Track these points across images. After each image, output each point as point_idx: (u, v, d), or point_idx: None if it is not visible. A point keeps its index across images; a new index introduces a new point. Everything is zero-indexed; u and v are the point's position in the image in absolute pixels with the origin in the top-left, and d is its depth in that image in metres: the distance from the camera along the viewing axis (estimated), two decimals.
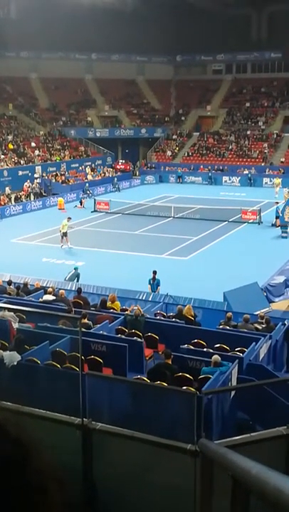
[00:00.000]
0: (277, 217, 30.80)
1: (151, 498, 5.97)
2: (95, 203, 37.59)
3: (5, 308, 11.49)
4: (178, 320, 13.16)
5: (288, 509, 1.46)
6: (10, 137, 47.69)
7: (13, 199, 38.52)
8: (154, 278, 18.47)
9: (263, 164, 50.68)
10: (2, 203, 37.05)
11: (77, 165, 48.89)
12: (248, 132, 55.08)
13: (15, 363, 8.25)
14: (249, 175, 48.44)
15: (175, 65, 63.30)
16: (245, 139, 54.50)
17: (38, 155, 47.05)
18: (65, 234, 26.72)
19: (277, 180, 43.00)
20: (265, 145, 52.87)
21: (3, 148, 45.57)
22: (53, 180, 44.00)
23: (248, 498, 2.58)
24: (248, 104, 58.66)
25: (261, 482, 1.82)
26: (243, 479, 2.27)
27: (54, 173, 45.25)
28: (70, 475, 5.82)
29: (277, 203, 35.07)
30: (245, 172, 49.18)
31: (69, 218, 27.85)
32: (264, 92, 59.42)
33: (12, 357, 8.36)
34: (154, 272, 18.56)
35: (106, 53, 58.87)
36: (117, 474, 6.20)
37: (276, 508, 1.59)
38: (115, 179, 47.31)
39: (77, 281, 19.12)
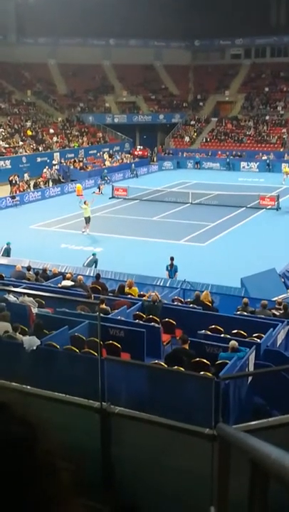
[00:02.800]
0: None
1: (168, 481, 6.03)
2: (112, 189, 37.58)
3: (24, 293, 11.60)
4: (195, 306, 13.17)
5: None
6: (28, 124, 47.77)
7: (31, 185, 38.67)
8: (171, 264, 18.47)
9: (281, 150, 50.13)
10: (21, 190, 37.22)
11: (95, 151, 48.85)
12: (267, 117, 54.47)
13: (34, 348, 8.34)
14: (267, 160, 47.97)
15: (193, 49, 62.65)
16: (263, 125, 53.93)
17: (57, 141, 47.09)
18: (87, 219, 26.86)
19: (286, 169, 42.44)
20: (284, 130, 52.24)
21: (22, 134, 45.68)
22: (71, 167, 44.04)
23: (267, 482, 2.60)
24: (266, 89, 57.94)
25: (281, 466, 1.83)
26: (262, 463, 2.28)
27: (72, 160, 45.27)
28: (88, 458, 5.90)
29: None
30: (263, 158, 48.71)
31: (85, 202, 27.81)
32: (283, 77, 58.59)
33: (31, 341, 8.45)
34: (172, 258, 18.56)
35: (124, 39, 58.50)
36: (134, 457, 6.26)
37: None
38: (133, 165, 47.20)
39: (95, 267, 19.20)
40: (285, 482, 1.72)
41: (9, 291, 11.89)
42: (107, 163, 46.78)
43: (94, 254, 20.01)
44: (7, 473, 0.81)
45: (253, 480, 2.90)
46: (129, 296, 14.23)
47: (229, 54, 62.80)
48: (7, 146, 42.89)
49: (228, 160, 49.60)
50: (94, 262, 19.56)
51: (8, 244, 21.16)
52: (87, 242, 25.28)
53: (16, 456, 0.82)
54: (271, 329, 11.02)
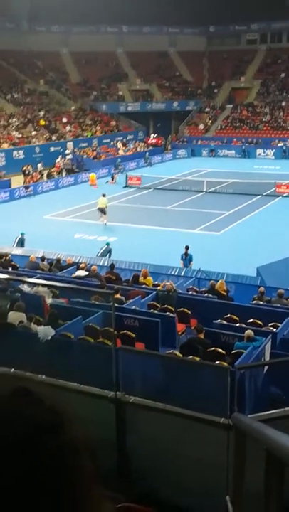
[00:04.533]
0: None
1: (183, 470, 6.04)
2: (126, 178, 37.50)
3: (38, 284, 11.63)
4: (210, 295, 13.12)
5: None
6: (41, 113, 47.76)
7: (45, 175, 38.72)
8: (186, 253, 18.40)
9: None
10: (35, 180, 37.29)
11: (108, 140, 48.73)
12: (283, 103, 53.87)
13: (49, 338, 8.35)
14: (284, 147, 47.48)
15: (208, 35, 62.02)
16: (280, 111, 53.37)
17: (70, 131, 47.04)
18: (103, 210, 26.85)
19: None
20: None
21: (35, 124, 45.70)
22: (85, 156, 43.99)
23: (282, 471, 2.57)
24: (283, 75, 57.22)
25: None
26: (278, 453, 2.25)
27: (86, 149, 45.21)
28: (104, 447, 5.92)
29: None
30: (279, 144, 48.22)
31: (104, 195, 27.63)
32: None
33: (46, 331, 8.47)
34: (187, 248, 18.48)
35: (137, 26, 58.04)
36: (150, 447, 6.27)
37: None
38: (147, 154, 47.00)
39: (109, 256, 19.20)
40: None
41: (23, 282, 11.93)
42: (121, 152, 46.64)
43: (108, 244, 20.01)
44: (33, 459, 0.83)
45: (268, 469, 2.87)
46: (144, 285, 14.22)
47: (245, 39, 62.07)
48: (20, 136, 42.95)
49: (243, 147, 49.19)
50: (108, 251, 19.57)
51: (22, 234, 21.24)
52: (101, 231, 25.28)
53: (44, 440, 0.84)
54: (287, 318, 10.94)
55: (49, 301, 11.44)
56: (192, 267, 17.83)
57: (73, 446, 0.87)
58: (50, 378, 6.61)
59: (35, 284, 11.77)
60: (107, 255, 19.34)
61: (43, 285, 11.56)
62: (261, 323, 10.86)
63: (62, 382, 6.56)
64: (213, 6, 55.20)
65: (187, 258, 18.37)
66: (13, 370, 7.12)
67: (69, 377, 6.68)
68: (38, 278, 13.17)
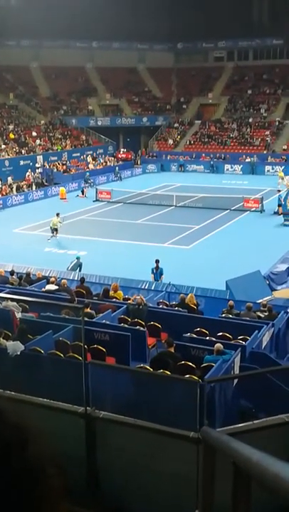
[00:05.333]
0: (279, 205, 30.71)
1: (154, 485, 6.03)
2: (96, 192, 37.53)
3: (8, 298, 11.53)
4: (180, 309, 13.19)
5: (287, 495, 1.48)
6: (11, 127, 47.55)
7: (14, 189, 38.47)
8: (157, 267, 18.48)
9: (265, 152, 50.48)
10: (4, 193, 37.01)
11: (78, 154, 48.77)
12: (250, 120, 54.83)
13: (18, 353, 8.28)
14: (251, 161, 48.13)
15: (176, 52, 62.89)
16: (247, 127, 54.26)
17: (40, 144, 46.93)
18: (55, 230, 26.28)
19: (281, 173, 42.55)
20: (268, 132, 52.64)
21: (4, 137, 45.46)
22: (55, 170, 43.90)
23: (249, 484, 2.61)
24: (249, 92, 58.32)
25: (262, 469, 1.83)
26: (245, 466, 2.29)
27: (55, 163, 45.13)
28: (73, 463, 5.88)
29: (279, 191, 34.98)
30: (247, 160, 48.96)
31: (58, 214, 26.97)
32: (266, 79, 59.05)
33: (15, 346, 8.39)
34: (157, 261, 18.58)
35: (107, 41, 58.48)
36: (120, 462, 6.25)
37: (275, 495, 1.61)
38: (117, 168, 47.20)
39: (80, 270, 19.14)
40: (266, 484, 1.72)
41: None
42: (91, 166, 46.73)
43: (78, 258, 19.95)
44: (2, 474, 0.82)
45: (236, 482, 2.91)
46: (114, 299, 14.21)
47: (212, 56, 63.12)
48: None
49: (211, 162, 49.80)
50: (78, 265, 19.51)
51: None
52: (71, 245, 25.20)
53: (7, 458, 0.83)
54: (256, 331, 11.07)
55: (18, 315, 11.34)
56: (163, 280, 17.90)
57: (39, 461, 0.86)
58: (19, 394, 6.54)
59: (4, 299, 11.66)
60: (78, 269, 19.27)
61: (12, 299, 11.47)
62: (230, 336, 10.97)
63: (31, 397, 6.50)
64: (181, 23, 56.07)
65: (158, 272, 18.46)
66: None
67: (38, 392, 6.62)
68: (7, 292, 13.04)
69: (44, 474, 0.86)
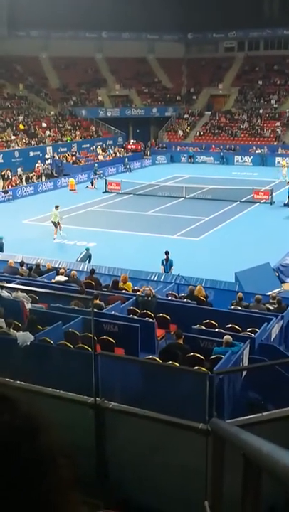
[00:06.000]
0: None
1: (162, 476, 6.05)
2: (106, 183, 37.50)
3: (18, 289, 11.58)
4: (189, 300, 13.18)
5: None
6: (21, 118, 47.55)
7: (24, 180, 38.52)
8: (167, 259, 18.45)
9: (275, 143, 50.14)
10: (14, 184, 37.08)
11: (88, 145, 48.70)
12: (261, 111, 54.43)
13: (28, 343, 8.32)
14: (262, 153, 47.85)
15: (186, 42, 62.43)
16: (257, 118, 53.89)
17: (49, 135, 46.90)
18: (56, 224, 25.28)
19: (284, 162, 42.38)
20: (278, 124, 52.24)
21: (14, 128, 45.47)
22: (64, 161, 43.89)
23: (259, 476, 2.61)
24: (260, 82, 57.85)
25: (272, 460, 1.83)
26: (255, 458, 2.29)
27: (65, 154, 45.10)
28: (82, 453, 5.91)
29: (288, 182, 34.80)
30: (257, 151, 48.68)
31: (57, 206, 25.93)
32: (277, 70, 58.54)
33: (25, 337, 8.43)
34: (167, 253, 18.55)
35: (116, 32, 58.17)
36: (129, 452, 6.28)
37: (286, 486, 1.61)
38: (126, 159, 47.09)
39: (89, 262, 19.17)
40: (277, 476, 1.72)
41: (2, 287, 11.85)
42: (100, 158, 46.65)
43: (87, 249, 19.97)
44: (9, 464, 0.82)
45: (245, 474, 2.91)
46: (124, 291, 14.23)
47: (223, 47, 62.63)
48: None
49: (221, 154, 49.55)
50: (87, 257, 19.54)
51: (0, 238, 21.07)
52: (81, 236, 25.22)
53: (18, 447, 0.84)
54: (265, 323, 11.05)
55: (28, 306, 11.40)
56: (172, 272, 17.89)
57: (49, 451, 0.87)
58: (29, 384, 6.58)
59: (14, 290, 11.72)
60: (87, 260, 19.30)
61: (22, 290, 11.52)
62: (240, 328, 10.95)
63: (41, 388, 6.54)
64: (191, 13, 55.67)
65: (168, 263, 18.44)
66: None
67: (48, 383, 6.66)
68: (17, 283, 13.09)
69: (54, 464, 0.87)
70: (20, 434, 0.85)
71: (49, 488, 0.84)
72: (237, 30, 59.56)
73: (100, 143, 50.04)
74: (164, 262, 18.45)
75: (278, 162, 46.69)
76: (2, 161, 40.16)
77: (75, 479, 0.89)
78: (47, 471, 0.85)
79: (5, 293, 12.12)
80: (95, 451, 6.28)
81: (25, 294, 11.68)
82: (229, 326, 11.02)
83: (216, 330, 10.85)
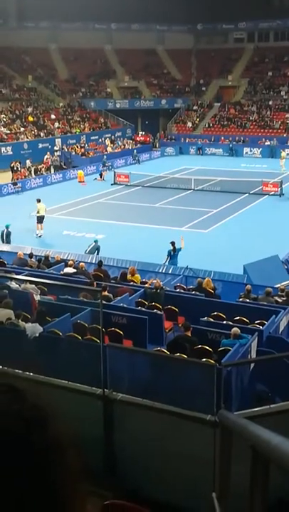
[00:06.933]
0: None
1: (170, 467, 6.08)
2: (114, 175, 37.45)
3: (27, 280, 11.62)
4: (198, 293, 13.17)
5: None
6: (30, 109, 47.52)
7: (33, 172, 38.56)
8: (174, 249, 18.34)
9: (284, 135, 49.82)
10: (23, 176, 37.13)
11: (96, 137, 48.62)
12: (270, 102, 54.08)
13: (37, 335, 8.35)
14: (271, 145, 47.58)
15: (196, 33, 62.01)
16: (266, 110, 53.56)
17: (58, 127, 46.86)
18: (40, 219, 24.31)
19: (283, 154, 42.23)
20: (288, 115, 51.88)
21: (23, 120, 45.47)
22: (73, 153, 43.86)
23: (267, 468, 2.61)
24: (270, 74, 57.45)
25: (281, 452, 1.84)
26: (263, 450, 2.29)
27: (74, 146, 45.06)
28: (91, 444, 5.95)
29: None
30: (266, 143, 48.40)
31: (38, 200, 24.99)
32: (287, 61, 58.06)
33: (34, 328, 8.46)
34: (173, 243, 18.42)
35: (125, 23, 57.90)
36: (137, 444, 6.31)
37: None
38: (135, 151, 46.98)
39: (98, 254, 19.20)
40: (285, 468, 1.73)
41: (11, 278, 11.91)
42: (109, 149, 46.57)
43: (96, 241, 19.99)
44: (18, 454, 0.83)
45: (254, 466, 2.92)
46: (132, 283, 14.25)
47: (232, 38, 62.19)
48: (8, 132, 42.69)
49: (230, 145, 49.31)
50: (96, 249, 19.55)
51: (7, 227, 21.03)
52: (89, 228, 25.24)
53: (27, 437, 0.84)
54: (273, 316, 11.03)
55: (37, 298, 11.44)
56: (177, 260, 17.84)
57: (58, 441, 0.87)
58: (38, 375, 6.62)
59: (23, 281, 11.76)
60: (96, 252, 19.32)
61: (31, 282, 11.56)
62: (248, 320, 10.95)
63: (49, 379, 6.58)
64: (201, 4, 55.26)
65: (176, 253, 18.32)
66: (0, 367, 7.12)
67: (57, 374, 6.69)
68: (26, 275, 13.13)
69: (63, 454, 0.87)
70: (29, 425, 0.86)
71: (57, 478, 0.85)
72: (247, 21, 59.04)
73: (109, 135, 49.94)
74: (172, 253, 18.34)
75: (287, 154, 46.47)
76: (11, 152, 40.19)
77: (83, 469, 0.90)
78: (55, 460, 0.85)
79: (14, 284, 12.17)
80: (104, 443, 6.31)
81: (34, 286, 11.72)
82: (237, 318, 11.01)
83: (224, 322, 10.85)
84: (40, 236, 24.11)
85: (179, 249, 18.33)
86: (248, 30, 61.07)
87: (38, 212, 24.47)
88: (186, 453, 5.96)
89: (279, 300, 12.75)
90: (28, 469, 0.82)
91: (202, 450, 5.72)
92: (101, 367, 6.42)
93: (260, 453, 2.48)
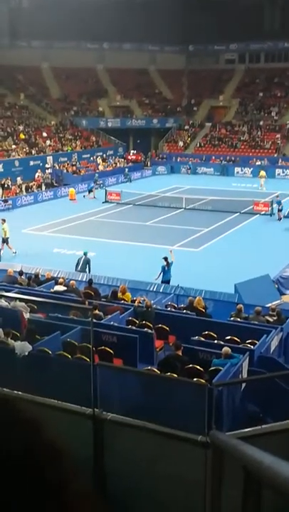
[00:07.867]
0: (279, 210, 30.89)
1: (161, 488, 6.00)
2: (106, 193, 37.56)
3: (16, 298, 11.55)
4: (189, 312, 13.15)
5: None
6: (21, 127, 47.73)
7: (24, 189, 38.59)
8: (167, 264, 18.33)
9: (275, 155, 50.35)
10: (13, 193, 37.13)
11: (88, 155, 48.86)
12: (261, 123, 54.71)
13: (26, 353, 8.29)
14: (262, 165, 48.03)
15: (187, 54, 62.85)
16: (257, 130, 54.15)
17: (50, 145, 47.06)
18: (6, 240, 23.54)
19: (262, 173, 42.60)
20: (278, 136, 52.50)
21: (15, 138, 45.62)
22: (64, 171, 44.00)
23: (259, 489, 2.59)
24: (261, 95, 58.22)
25: (274, 473, 1.82)
26: (255, 470, 2.27)
27: (65, 164, 45.23)
28: (80, 465, 5.86)
29: (277, 196, 34.70)
30: (257, 163, 48.84)
31: (3, 220, 24.08)
32: (277, 82, 58.93)
33: (23, 347, 8.40)
34: (166, 258, 18.44)
35: (118, 42, 58.60)
36: (127, 465, 6.23)
37: (288, 499, 1.59)
38: (126, 170, 47.24)
39: (89, 267, 19.07)
40: (278, 489, 1.71)
41: (1, 296, 11.83)
42: (101, 168, 46.78)
43: (85, 254, 19.65)
44: (12, 472, 0.82)
45: (246, 487, 2.88)
46: (122, 301, 14.20)
47: (223, 59, 63.08)
48: (0, 149, 42.82)
49: (221, 165, 49.71)
50: (86, 262, 19.30)
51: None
52: (80, 246, 25.18)
53: (19, 457, 0.83)
54: (265, 336, 11.02)
55: (27, 315, 11.36)
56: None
57: (53, 446, 0.87)
58: (27, 394, 6.54)
59: (12, 299, 11.69)
60: (86, 266, 19.16)
61: (21, 300, 11.49)
62: (239, 340, 10.92)
63: (38, 398, 6.50)
64: (192, 25, 56.10)
65: (169, 268, 18.31)
66: None
67: (46, 393, 6.62)
68: (15, 292, 13.07)
69: (60, 455, 0.88)
70: (27, 425, 0.87)
71: (55, 479, 0.84)
72: (238, 42, 60.02)
73: (101, 153, 50.22)
74: (166, 268, 18.31)
75: (278, 174, 46.93)
76: (2, 170, 40.26)
77: (72, 490, 0.88)
78: (53, 460, 0.86)
79: (3, 302, 12.09)
80: (93, 463, 6.23)
81: (23, 304, 11.65)
82: (228, 337, 10.99)
83: (215, 341, 10.81)
84: (15, 252, 23.37)
85: (171, 263, 18.36)
86: (239, 52, 62.01)
87: (5, 234, 23.45)
88: (177, 474, 5.89)
89: (270, 319, 12.76)
90: (13, 480, 0.81)
91: (193, 471, 5.66)
92: (91, 386, 6.36)
93: (253, 473, 2.45)
